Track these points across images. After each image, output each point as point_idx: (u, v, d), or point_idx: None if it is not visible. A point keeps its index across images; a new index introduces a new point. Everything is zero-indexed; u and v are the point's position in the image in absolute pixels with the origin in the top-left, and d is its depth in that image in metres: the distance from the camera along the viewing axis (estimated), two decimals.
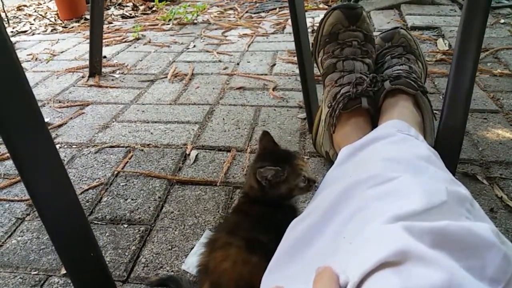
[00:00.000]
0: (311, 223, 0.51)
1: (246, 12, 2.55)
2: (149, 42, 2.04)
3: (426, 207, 0.41)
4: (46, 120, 1.29)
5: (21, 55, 1.95)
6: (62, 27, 2.47)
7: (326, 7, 2.53)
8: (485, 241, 0.36)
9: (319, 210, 0.52)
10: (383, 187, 0.48)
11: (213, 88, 1.46)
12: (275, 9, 2.57)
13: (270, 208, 0.62)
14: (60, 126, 1.26)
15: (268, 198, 0.62)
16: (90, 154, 1.10)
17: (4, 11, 2.72)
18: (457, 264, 0.33)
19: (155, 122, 1.25)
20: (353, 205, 0.47)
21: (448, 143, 0.80)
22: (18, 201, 0.93)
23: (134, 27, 2.25)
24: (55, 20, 2.62)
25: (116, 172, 1.01)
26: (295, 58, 1.22)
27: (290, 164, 0.63)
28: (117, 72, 1.67)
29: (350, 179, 0.53)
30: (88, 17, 2.47)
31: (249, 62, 1.70)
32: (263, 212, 0.62)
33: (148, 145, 1.12)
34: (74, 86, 1.56)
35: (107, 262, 0.71)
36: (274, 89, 1.42)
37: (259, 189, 0.62)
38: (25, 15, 2.79)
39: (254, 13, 2.52)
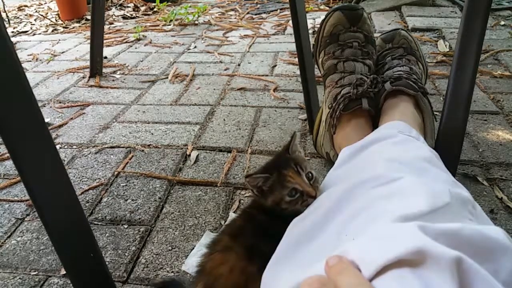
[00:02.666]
0: (313, 222, 0.51)
1: (247, 13, 2.55)
2: (150, 42, 2.05)
3: (432, 208, 0.41)
4: (46, 120, 1.29)
5: (22, 55, 1.95)
6: (63, 27, 2.47)
7: (327, 8, 2.53)
8: (500, 244, 0.36)
9: (321, 209, 0.52)
10: (387, 187, 0.48)
11: (214, 89, 1.46)
12: (276, 10, 2.57)
13: (277, 219, 0.58)
14: (60, 126, 1.26)
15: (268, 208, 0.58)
16: (91, 155, 1.10)
17: (5, 11, 2.73)
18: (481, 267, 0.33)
19: (156, 122, 1.25)
20: (356, 205, 0.48)
21: (449, 144, 0.80)
22: (18, 201, 0.93)
23: (135, 27, 2.25)
24: (56, 20, 2.62)
25: (116, 173, 1.01)
26: (296, 59, 1.22)
27: (278, 173, 0.57)
28: (118, 72, 1.67)
29: (352, 179, 0.53)
30: (89, 17, 2.47)
31: (250, 63, 1.70)
32: (269, 220, 0.58)
33: (149, 145, 1.12)
34: (74, 86, 1.56)
35: (107, 263, 0.70)
36: (275, 90, 1.42)
37: (256, 198, 0.60)
38: (26, 15, 2.79)
39: (255, 14, 2.52)
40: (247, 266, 0.52)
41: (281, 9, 2.58)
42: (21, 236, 0.83)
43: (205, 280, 0.53)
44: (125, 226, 0.84)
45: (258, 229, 0.57)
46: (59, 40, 2.19)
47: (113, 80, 1.59)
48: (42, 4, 3.08)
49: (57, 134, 1.21)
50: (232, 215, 0.84)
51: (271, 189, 0.57)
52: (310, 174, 0.58)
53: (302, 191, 0.56)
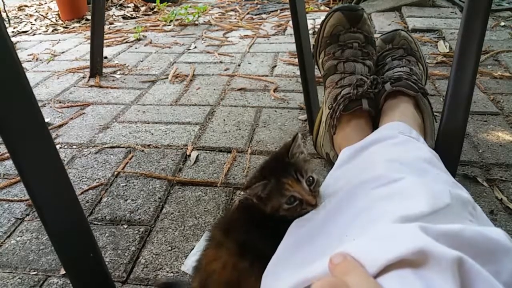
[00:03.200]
0: (314, 222, 0.51)
1: (247, 13, 2.55)
2: (150, 43, 2.05)
3: (433, 209, 0.41)
4: (46, 120, 1.29)
5: (22, 55, 1.95)
6: (63, 27, 2.47)
7: (327, 9, 2.53)
8: (501, 246, 0.36)
9: (322, 210, 0.52)
10: (388, 188, 0.48)
11: (214, 89, 1.46)
12: (276, 10, 2.57)
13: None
14: (60, 126, 1.26)
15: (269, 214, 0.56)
16: (90, 155, 1.10)
17: (5, 11, 2.73)
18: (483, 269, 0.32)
19: (156, 122, 1.25)
20: (357, 205, 0.48)
21: (449, 145, 0.80)
22: (18, 201, 0.93)
23: (135, 28, 2.25)
24: (56, 20, 2.62)
25: (116, 173, 1.01)
26: (296, 60, 1.22)
27: (277, 180, 0.55)
28: (118, 72, 1.67)
29: (352, 180, 0.53)
30: (89, 17, 2.47)
31: (250, 63, 1.70)
32: (265, 215, 0.57)
33: (149, 145, 1.12)
34: (74, 86, 1.56)
35: (106, 263, 0.71)
36: (275, 90, 1.42)
37: (256, 206, 0.57)
38: (26, 15, 2.79)
39: (255, 15, 2.52)
40: (239, 262, 0.51)
41: (281, 9, 2.58)
42: (21, 236, 0.83)
43: (200, 276, 0.54)
44: (125, 226, 0.84)
45: (252, 223, 0.56)
46: (59, 40, 2.19)
47: (113, 80, 1.59)
48: (42, 4, 3.08)
49: (57, 134, 1.21)
50: None
51: (269, 196, 0.55)
52: (311, 179, 0.56)
53: (302, 199, 0.54)
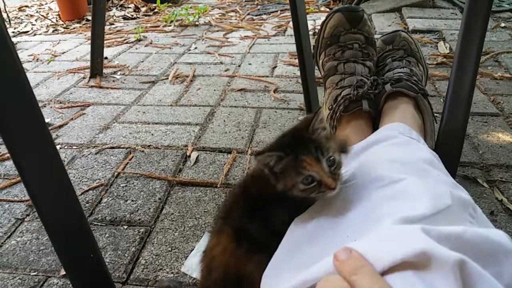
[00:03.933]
0: (315, 222, 0.50)
1: (248, 14, 2.56)
2: (151, 43, 2.05)
3: (434, 211, 0.41)
4: (46, 120, 1.29)
5: (22, 55, 1.95)
6: (64, 28, 2.47)
7: (328, 9, 2.53)
8: (503, 247, 0.36)
9: (323, 209, 0.51)
10: (389, 189, 0.48)
11: (214, 90, 1.46)
12: (277, 11, 2.57)
13: (272, 197, 0.53)
14: (60, 126, 1.26)
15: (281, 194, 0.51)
16: (91, 155, 1.10)
17: (6, 12, 2.73)
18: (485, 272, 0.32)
19: (156, 123, 1.25)
20: (358, 206, 0.47)
21: (449, 146, 0.80)
22: (18, 201, 0.93)
23: (135, 28, 2.25)
24: (56, 21, 2.62)
25: (116, 173, 1.01)
26: (296, 60, 1.22)
27: (294, 156, 0.49)
28: (118, 73, 1.67)
29: (353, 181, 0.53)
30: (89, 18, 2.47)
31: (250, 64, 1.70)
32: (260, 198, 0.54)
33: (149, 146, 1.12)
34: (75, 87, 1.56)
35: (106, 264, 0.70)
36: (275, 91, 1.42)
37: (264, 180, 0.52)
38: (26, 15, 2.80)
39: (256, 15, 2.52)
40: (236, 248, 0.52)
41: (281, 10, 2.58)
42: (21, 237, 0.83)
43: (206, 261, 0.55)
44: (125, 227, 0.84)
45: (248, 208, 0.54)
46: (60, 40, 2.20)
47: (114, 81, 1.60)
48: (42, 5, 3.08)
49: (57, 135, 1.21)
50: None
51: (284, 172, 0.50)
52: (332, 159, 0.50)
53: (320, 181, 0.49)
